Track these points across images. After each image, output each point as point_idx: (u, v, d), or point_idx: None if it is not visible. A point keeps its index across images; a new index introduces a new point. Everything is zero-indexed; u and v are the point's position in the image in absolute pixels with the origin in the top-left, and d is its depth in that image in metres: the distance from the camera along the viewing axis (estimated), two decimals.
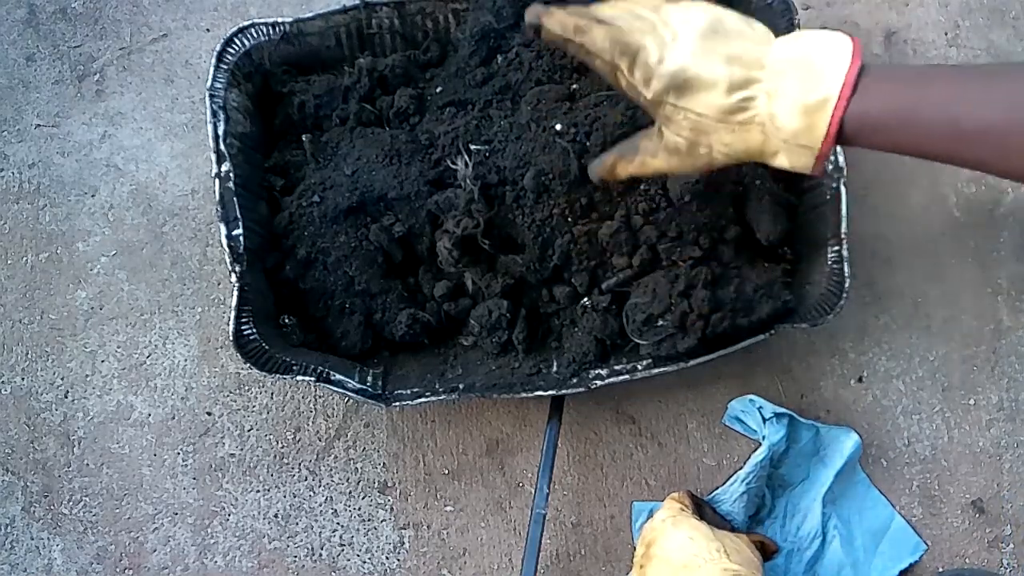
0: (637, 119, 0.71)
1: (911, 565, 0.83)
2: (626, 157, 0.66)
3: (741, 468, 0.81)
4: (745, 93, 0.57)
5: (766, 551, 0.75)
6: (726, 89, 0.57)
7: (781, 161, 0.59)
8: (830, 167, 0.76)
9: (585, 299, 0.78)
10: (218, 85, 0.77)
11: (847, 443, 0.83)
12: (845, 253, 0.76)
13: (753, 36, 0.58)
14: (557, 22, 0.60)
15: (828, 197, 0.78)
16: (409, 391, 0.78)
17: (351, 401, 0.85)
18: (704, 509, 0.77)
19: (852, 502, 0.84)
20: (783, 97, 0.56)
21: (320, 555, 0.83)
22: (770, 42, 0.58)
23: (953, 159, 0.54)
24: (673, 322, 0.73)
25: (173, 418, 0.85)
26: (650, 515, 0.75)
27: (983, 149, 0.52)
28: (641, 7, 0.60)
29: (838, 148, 0.77)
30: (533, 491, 0.77)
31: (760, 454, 0.80)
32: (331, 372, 0.76)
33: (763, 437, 0.81)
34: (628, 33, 0.59)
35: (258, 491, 0.84)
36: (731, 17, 0.59)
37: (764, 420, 0.81)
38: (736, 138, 0.59)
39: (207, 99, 0.76)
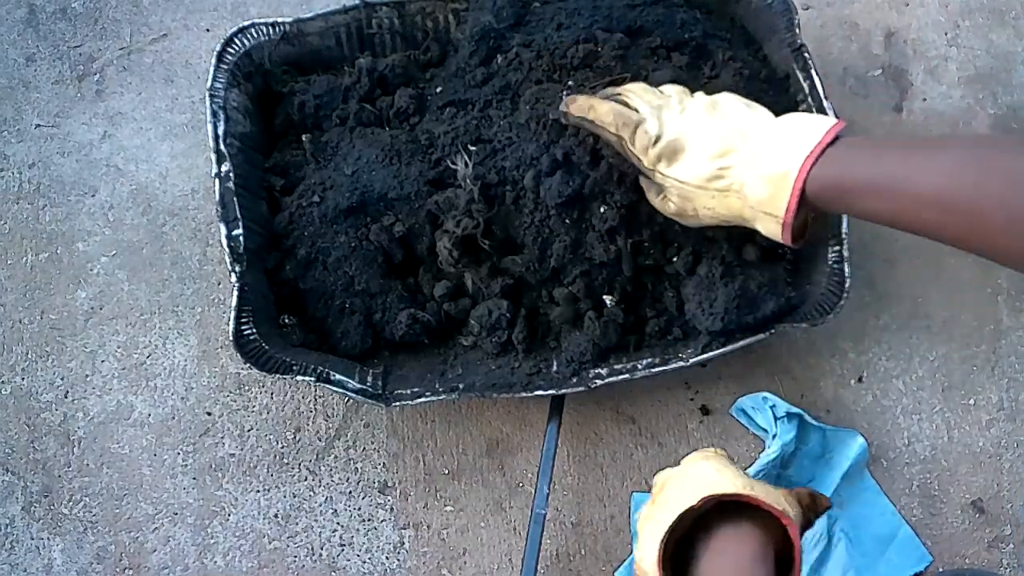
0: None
1: (916, 575, 0.83)
2: (655, 191, 0.71)
3: (750, 466, 0.81)
4: (723, 162, 0.63)
5: (817, 506, 0.68)
6: (708, 158, 0.64)
7: (758, 227, 0.65)
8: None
9: (584, 306, 0.78)
10: (218, 85, 0.77)
11: (853, 446, 0.83)
12: (845, 253, 0.76)
13: (747, 115, 0.65)
14: (576, 105, 0.70)
15: None
16: (409, 391, 0.78)
17: (351, 401, 0.85)
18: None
19: (860, 507, 0.84)
20: (753, 168, 0.61)
21: (320, 555, 0.83)
22: (762, 121, 0.64)
23: (914, 227, 0.56)
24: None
25: (173, 418, 0.85)
26: None
27: (930, 216, 0.54)
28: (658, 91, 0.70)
29: None
30: (533, 491, 0.77)
31: (772, 453, 0.80)
32: (331, 372, 0.76)
33: (773, 436, 0.82)
34: (630, 111, 0.67)
35: (258, 491, 0.84)
36: (732, 99, 0.67)
37: (776, 419, 0.82)
38: (717, 203, 0.65)
39: (207, 99, 0.76)
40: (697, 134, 0.65)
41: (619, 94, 0.71)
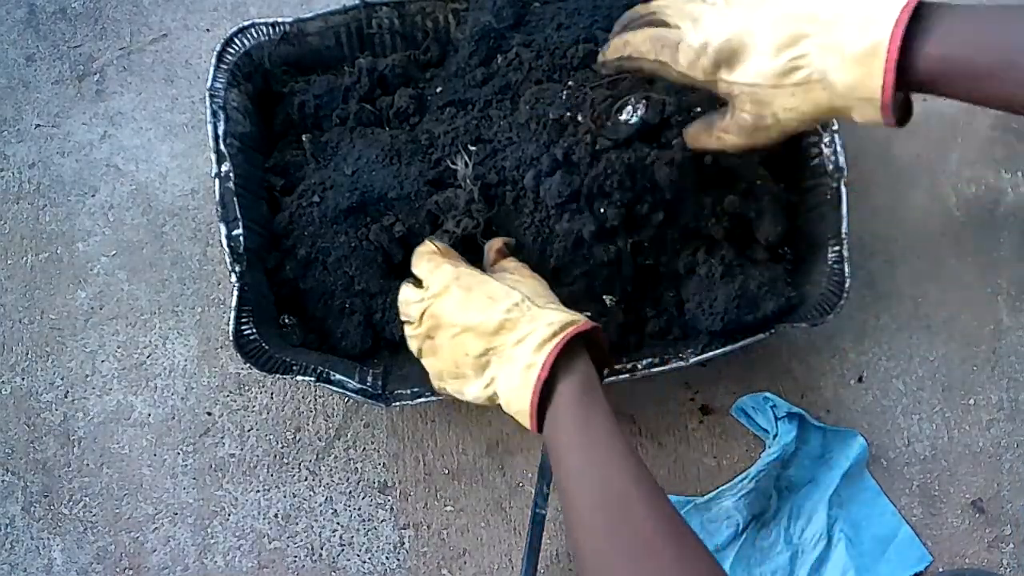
0: (619, 93, 0.72)
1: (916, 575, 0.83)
2: (705, 132, 0.64)
3: (752, 465, 0.81)
4: (795, 51, 0.54)
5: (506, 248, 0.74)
6: (775, 50, 0.54)
7: (855, 116, 0.55)
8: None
9: (585, 307, 0.78)
10: (218, 85, 0.77)
11: (853, 446, 0.83)
12: (845, 253, 0.76)
13: None
14: (611, 48, 0.65)
15: (828, 197, 0.78)
16: (409, 391, 0.78)
17: (351, 401, 0.85)
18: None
19: (860, 507, 0.84)
20: (833, 50, 0.52)
21: (320, 555, 0.83)
22: None
23: None
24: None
25: (173, 418, 0.85)
26: None
27: None
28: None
29: (838, 147, 0.77)
30: (533, 491, 0.77)
31: (773, 453, 0.80)
32: (331, 372, 0.76)
33: (774, 436, 0.82)
34: (667, 31, 0.60)
35: (258, 491, 0.84)
36: None
37: (777, 419, 0.82)
38: (799, 101, 0.55)
39: (207, 99, 0.76)
40: (755, 27, 0.55)
41: (652, 13, 0.63)
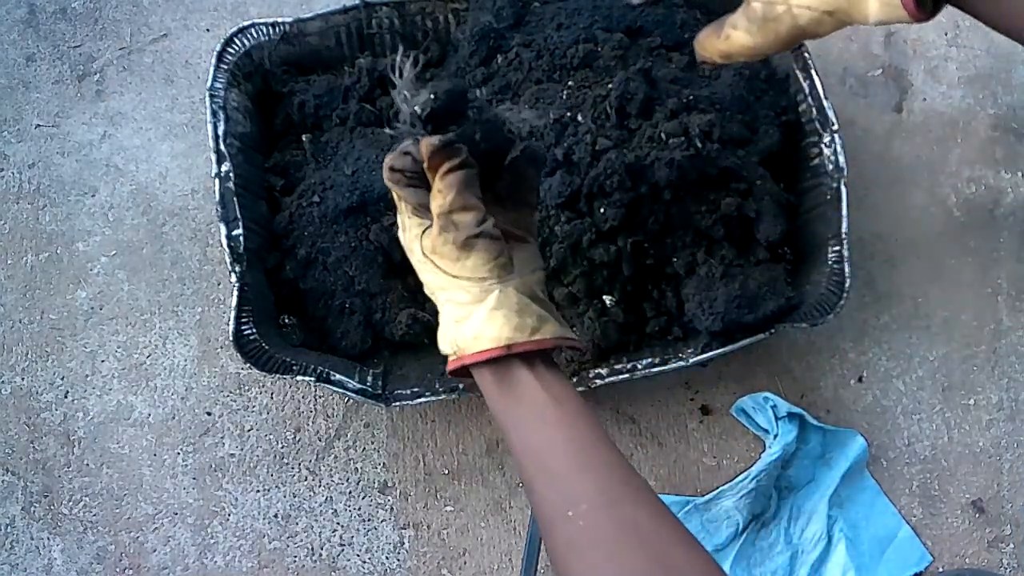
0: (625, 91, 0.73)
1: (916, 575, 0.83)
2: (715, 32, 0.62)
3: (752, 465, 0.81)
4: None
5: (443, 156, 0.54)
6: None
7: (870, 7, 0.53)
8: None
9: (585, 307, 0.78)
10: (218, 85, 0.77)
11: (853, 446, 0.83)
12: (845, 253, 0.76)
13: None
14: None
15: (828, 197, 0.78)
16: (409, 391, 0.78)
17: (351, 401, 0.85)
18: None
19: (860, 507, 0.84)
20: None
21: (320, 555, 0.83)
22: None
23: None
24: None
25: (173, 418, 0.85)
26: None
27: None
28: None
29: (838, 147, 0.77)
30: None
31: (774, 453, 0.80)
32: (331, 372, 0.76)
33: (775, 436, 0.82)
34: None
35: (258, 491, 0.84)
36: None
37: (777, 419, 0.82)
38: None
39: (207, 99, 0.76)
40: None
41: None
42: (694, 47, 0.66)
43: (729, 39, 0.60)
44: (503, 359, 0.53)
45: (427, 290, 0.58)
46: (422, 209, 0.56)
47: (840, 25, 0.55)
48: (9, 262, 0.88)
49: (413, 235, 0.56)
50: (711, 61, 0.65)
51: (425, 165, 0.54)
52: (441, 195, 0.53)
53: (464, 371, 0.56)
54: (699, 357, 0.77)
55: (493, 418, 0.55)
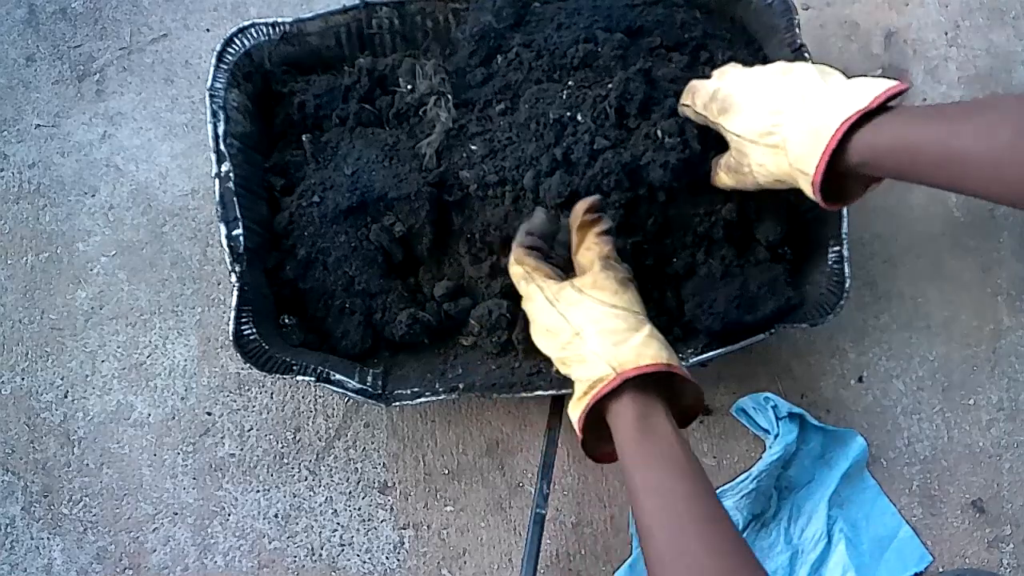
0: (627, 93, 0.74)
1: (916, 575, 0.83)
2: (715, 166, 0.73)
3: (753, 465, 0.81)
4: (776, 119, 0.63)
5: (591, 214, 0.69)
6: (764, 113, 0.64)
7: (801, 187, 0.64)
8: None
9: None
10: (218, 85, 0.77)
11: (853, 446, 0.83)
12: (845, 253, 0.76)
13: (813, 77, 0.64)
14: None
15: None
16: (409, 391, 0.78)
17: (351, 401, 0.85)
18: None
19: (860, 507, 0.84)
20: (799, 123, 0.62)
21: (320, 555, 0.83)
22: (825, 81, 0.64)
23: (954, 188, 0.58)
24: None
25: (173, 418, 0.85)
26: None
27: (978, 177, 0.54)
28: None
29: None
30: (533, 491, 0.77)
31: (775, 453, 0.80)
32: (331, 372, 0.76)
33: (775, 436, 0.82)
34: (701, 81, 0.72)
35: (258, 491, 0.84)
36: (807, 66, 0.66)
37: (778, 419, 0.82)
38: (769, 160, 0.65)
39: (207, 99, 0.76)
40: (756, 90, 0.66)
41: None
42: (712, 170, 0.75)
43: (719, 177, 0.72)
44: (647, 396, 0.61)
45: (571, 328, 0.64)
46: (553, 273, 0.68)
47: (792, 187, 0.65)
48: (9, 262, 0.88)
49: (554, 290, 0.67)
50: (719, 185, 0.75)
51: (577, 224, 0.68)
52: (598, 246, 0.67)
53: (597, 411, 0.62)
54: (699, 357, 0.77)
55: (620, 449, 0.60)
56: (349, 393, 0.76)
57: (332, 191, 0.77)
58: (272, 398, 0.86)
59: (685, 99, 0.73)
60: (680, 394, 0.64)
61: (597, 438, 0.64)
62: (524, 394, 0.77)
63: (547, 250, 0.71)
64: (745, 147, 0.66)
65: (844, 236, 0.76)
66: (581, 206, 0.68)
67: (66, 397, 0.86)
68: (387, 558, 0.83)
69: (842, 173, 0.61)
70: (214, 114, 0.76)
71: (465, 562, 0.83)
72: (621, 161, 0.72)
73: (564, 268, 0.70)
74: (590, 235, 0.68)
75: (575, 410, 0.63)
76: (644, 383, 0.61)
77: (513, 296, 0.79)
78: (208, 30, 0.93)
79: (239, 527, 0.84)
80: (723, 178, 0.72)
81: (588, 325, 0.64)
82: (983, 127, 0.53)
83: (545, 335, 0.67)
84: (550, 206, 0.74)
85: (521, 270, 0.69)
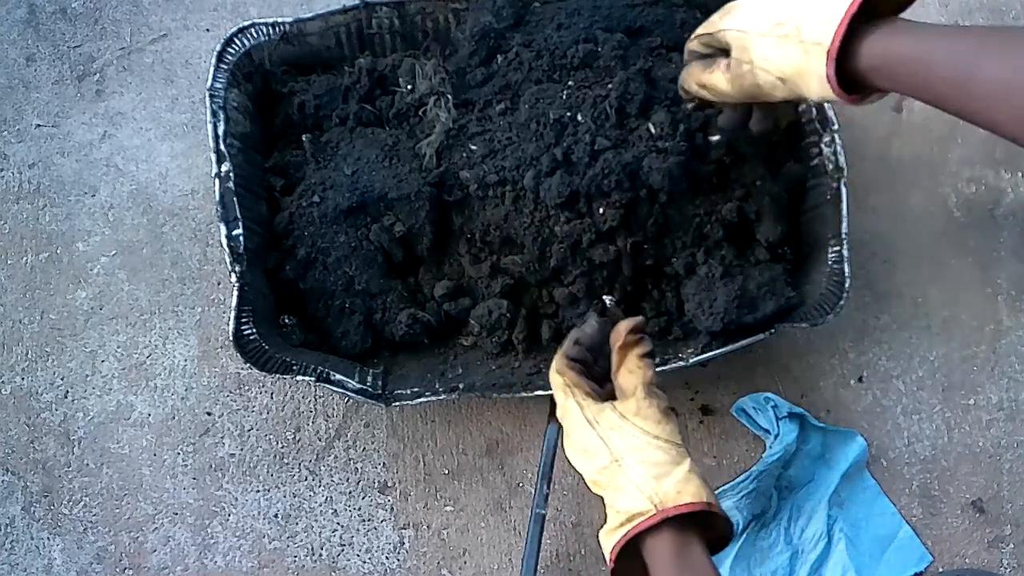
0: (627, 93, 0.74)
1: (916, 575, 0.83)
2: (705, 65, 0.68)
3: (753, 465, 0.81)
4: (789, 9, 0.60)
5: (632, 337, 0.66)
6: (772, 4, 0.61)
7: (814, 90, 0.60)
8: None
9: (585, 307, 0.78)
10: (218, 85, 0.77)
11: (853, 446, 0.83)
12: (845, 253, 0.76)
13: None
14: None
15: (828, 197, 0.78)
16: (409, 391, 0.78)
17: (351, 401, 0.85)
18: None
19: (860, 507, 0.84)
20: (812, 12, 0.58)
21: (320, 555, 0.83)
22: None
23: (961, 110, 0.54)
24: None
25: (173, 418, 0.85)
26: None
27: (988, 101, 0.51)
28: None
29: (838, 147, 0.77)
30: (533, 491, 0.77)
31: (775, 452, 0.80)
32: (331, 372, 0.76)
33: (776, 436, 0.82)
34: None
35: (258, 491, 0.84)
36: None
37: (778, 419, 0.82)
38: (776, 52, 0.61)
39: (207, 99, 0.76)
40: None
41: None
42: (680, 77, 0.71)
43: (712, 74, 0.67)
44: (684, 531, 0.59)
45: (611, 455, 0.62)
46: (594, 391, 0.66)
47: (791, 95, 0.62)
48: (9, 262, 0.88)
49: (595, 410, 0.64)
50: (692, 92, 0.70)
51: (620, 343, 0.65)
52: (641, 370, 0.64)
53: (632, 546, 0.60)
54: (699, 357, 0.77)
55: None
56: (349, 393, 0.76)
57: (332, 191, 0.77)
58: (272, 398, 0.86)
59: (690, 43, 0.69)
60: (713, 526, 0.62)
61: (628, 566, 0.62)
62: (524, 394, 0.77)
63: (591, 362, 0.68)
64: (749, 42, 0.62)
65: (844, 236, 0.76)
66: (624, 326, 0.66)
67: (66, 397, 0.86)
68: (387, 558, 0.83)
69: (849, 80, 0.58)
70: (214, 114, 0.76)
71: (465, 562, 0.83)
72: (621, 161, 0.72)
73: (602, 380, 0.68)
74: (632, 357, 0.65)
75: (608, 539, 0.61)
76: (683, 519, 0.59)
77: (513, 296, 0.79)
78: (208, 30, 0.93)
79: (239, 527, 0.84)
80: (716, 77, 0.66)
81: (630, 454, 0.62)
82: (1010, 47, 0.50)
83: (582, 455, 0.64)
84: (551, 205, 0.74)
85: (561, 381, 0.67)
